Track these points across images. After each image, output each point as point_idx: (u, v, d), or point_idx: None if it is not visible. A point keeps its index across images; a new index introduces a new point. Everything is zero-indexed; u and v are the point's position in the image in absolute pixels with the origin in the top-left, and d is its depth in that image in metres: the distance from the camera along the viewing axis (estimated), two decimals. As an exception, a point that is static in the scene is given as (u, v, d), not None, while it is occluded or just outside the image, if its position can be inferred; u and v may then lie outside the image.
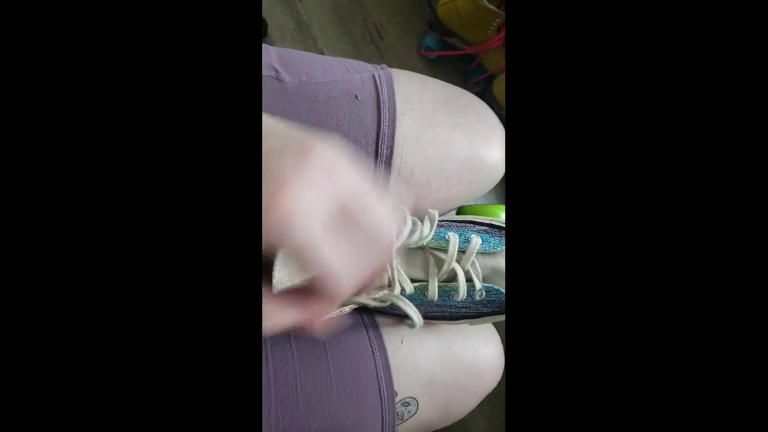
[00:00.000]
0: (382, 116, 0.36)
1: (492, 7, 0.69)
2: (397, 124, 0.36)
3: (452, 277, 0.35)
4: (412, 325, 0.34)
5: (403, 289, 0.34)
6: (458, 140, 0.38)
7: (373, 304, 0.34)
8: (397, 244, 0.34)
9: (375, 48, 0.80)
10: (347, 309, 0.34)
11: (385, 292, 0.34)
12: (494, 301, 0.36)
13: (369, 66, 0.39)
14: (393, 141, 0.36)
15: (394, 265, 0.33)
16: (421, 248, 0.36)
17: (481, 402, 0.40)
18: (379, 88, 0.37)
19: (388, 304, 0.34)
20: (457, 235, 0.35)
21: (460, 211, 0.54)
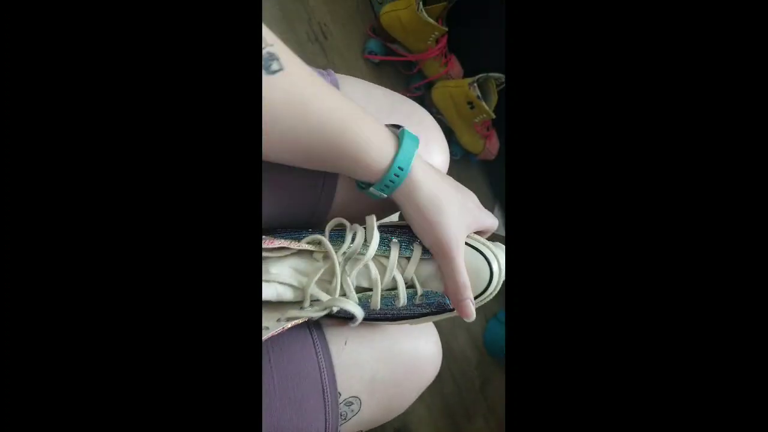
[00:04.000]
0: None
1: (431, 20, 0.72)
2: None
3: (394, 285, 0.36)
4: (356, 321, 0.35)
5: (344, 293, 0.35)
6: None
7: (318, 315, 0.34)
8: (340, 254, 0.34)
9: (319, 47, 0.79)
10: (290, 324, 0.33)
11: (329, 298, 0.34)
12: (432, 303, 0.37)
13: (316, 70, 0.38)
14: None
15: (338, 273, 0.34)
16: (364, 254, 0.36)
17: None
18: None
19: (334, 310, 0.35)
20: (398, 245, 0.36)
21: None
